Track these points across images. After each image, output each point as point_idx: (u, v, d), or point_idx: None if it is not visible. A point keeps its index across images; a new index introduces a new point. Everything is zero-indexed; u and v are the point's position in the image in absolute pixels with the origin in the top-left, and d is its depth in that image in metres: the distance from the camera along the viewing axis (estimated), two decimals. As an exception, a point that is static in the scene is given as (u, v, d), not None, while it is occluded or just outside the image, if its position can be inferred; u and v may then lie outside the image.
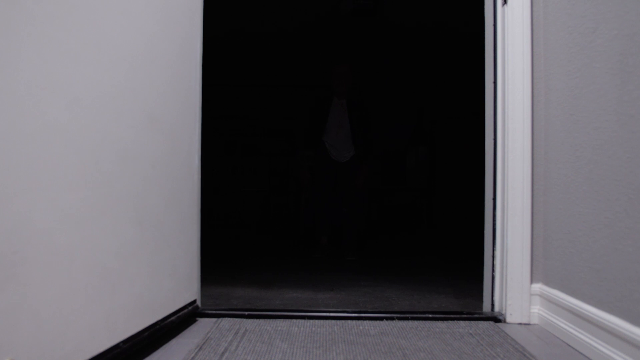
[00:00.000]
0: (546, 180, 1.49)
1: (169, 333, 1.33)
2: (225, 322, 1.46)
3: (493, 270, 1.57)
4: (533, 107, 1.53)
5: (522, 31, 1.53)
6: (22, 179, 0.77)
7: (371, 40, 4.88)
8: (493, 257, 1.57)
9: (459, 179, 5.39)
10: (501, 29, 1.56)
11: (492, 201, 1.59)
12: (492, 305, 1.56)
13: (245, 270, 2.66)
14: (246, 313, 1.53)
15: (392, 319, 1.51)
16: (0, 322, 0.72)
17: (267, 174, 5.84)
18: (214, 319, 1.49)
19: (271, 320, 1.49)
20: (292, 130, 5.79)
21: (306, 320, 1.49)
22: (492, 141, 1.59)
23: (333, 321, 1.49)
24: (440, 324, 1.47)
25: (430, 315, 1.53)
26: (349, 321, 1.49)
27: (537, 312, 1.49)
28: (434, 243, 4.52)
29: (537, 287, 1.50)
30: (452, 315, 1.54)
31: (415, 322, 1.48)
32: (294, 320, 1.49)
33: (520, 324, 1.49)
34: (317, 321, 1.49)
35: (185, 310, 1.42)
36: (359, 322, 1.49)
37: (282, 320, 1.49)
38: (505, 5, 1.55)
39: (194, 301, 1.52)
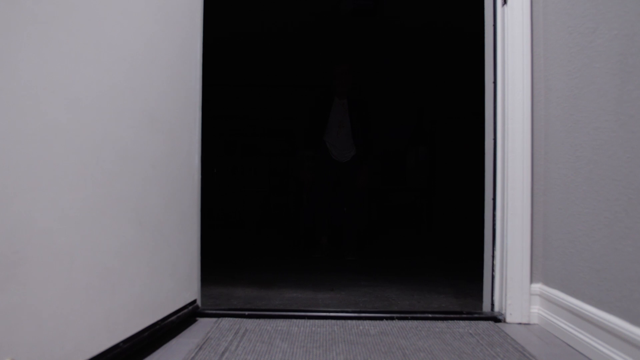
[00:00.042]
0: (546, 180, 1.49)
1: (169, 333, 1.33)
2: (226, 322, 1.46)
3: (493, 270, 1.57)
4: (533, 107, 1.53)
5: (522, 31, 1.53)
6: (22, 179, 0.77)
7: (371, 40, 4.88)
8: (493, 257, 1.57)
9: (459, 179, 5.39)
10: (501, 29, 1.56)
11: (492, 201, 1.59)
12: (492, 305, 1.56)
13: (245, 270, 2.66)
14: (246, 313, 1.53)
15: (392, 318, 1.51)
16: (0, 322, 0.72)
17: (267, 174, 5.84)
18: (214, 319, 1.49)
19: (271, 320, 1.49)
20: (292, 130, 5.79)
21: (306, 320, 1.49)
22: (492, 141, 1.59)
23: (333, 321, 1.49)
24: (440, 323, 1.47)
25: (430, 315, 1.53)
26: (349, 321, 1.49)
27: (537, 312, 1.49)
28: (433, 243, 4.53)
29: (537, 287, 1.50)
30: (452, 315, 1.54)
31: (415, 322, 1.48)
32: (294, 320, 1.49)
33: (520, 323, 1.49)
34: (317, 321, 1.49)
35: (185, 310, 1.42)
36: (359, 322, 1.49)
37: (282, 320, 1.49)
38: (505, 6, 1.55)
39: (194, 301, 1.52)
